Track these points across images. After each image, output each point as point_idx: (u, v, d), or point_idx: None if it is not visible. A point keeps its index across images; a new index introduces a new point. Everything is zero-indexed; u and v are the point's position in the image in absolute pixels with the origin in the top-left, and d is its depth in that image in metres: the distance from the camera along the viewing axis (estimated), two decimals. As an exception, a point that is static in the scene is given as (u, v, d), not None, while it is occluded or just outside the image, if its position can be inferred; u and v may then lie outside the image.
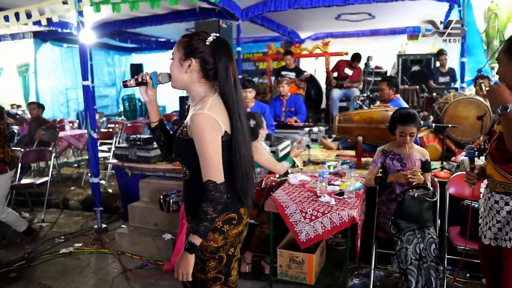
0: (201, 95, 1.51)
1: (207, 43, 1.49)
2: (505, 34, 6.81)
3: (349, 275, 2.93)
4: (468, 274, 3.02)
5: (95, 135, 4.02)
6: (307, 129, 3.76)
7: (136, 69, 10.41)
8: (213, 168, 1.41)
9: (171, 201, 3.41)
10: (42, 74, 8.98)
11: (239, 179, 1.52)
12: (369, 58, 5.75)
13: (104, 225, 4.14)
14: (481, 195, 2.18)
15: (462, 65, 6.18)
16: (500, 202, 1.83)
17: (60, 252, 3.59)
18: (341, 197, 2.65)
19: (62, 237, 3.96)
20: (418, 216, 2.59)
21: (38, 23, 4.43)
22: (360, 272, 3.08)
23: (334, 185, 2.89)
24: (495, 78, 6.63)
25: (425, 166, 2.82)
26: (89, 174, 5.85)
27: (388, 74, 7.23)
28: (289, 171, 3.26)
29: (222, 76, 1.48)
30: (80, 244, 3.76)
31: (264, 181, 2.99)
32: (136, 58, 11.16)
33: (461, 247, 2.57)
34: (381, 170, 3.00)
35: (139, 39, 9.18)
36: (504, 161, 1.76)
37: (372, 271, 2.87)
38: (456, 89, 5.20)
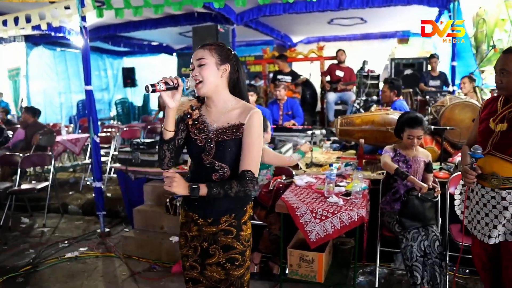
0: (231, 100, 1.62)
1: (232, 53, 1.62)
2: (493, 38, 7.06)
3: (352, 272, 3.02)
4: (467, 270, 3.14)
5: (97, 140, 4.04)
6: (309, 132, 3.84)
7: (128, 73, 10.42)
8: (256, 162, 1.56)
9: (177, 204, 3.46)
10: (33, 78, 8.88)
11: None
12: (364, 62, 5.89)
13: (107, 229, 4.15)
14: (458, 195, 2.29)
15: (453, 68, 6.37)
16: (508, 198, 1.94)
17: (65, 256, 3.60)
18: (348, 198, 2.74)
19: (66, 242, 3.96)
20: (422, 215, 2.70)
21: (37, 27, 4.43)
22: (365, 270, 3.18)
23: (339, 186, 2.98)
24: (484, 81, 6.85)
25: (428, 167, 2.93)
26: (86, 179, 5.91)
27: (381, 77, 7.38)
28: (294, 173, 3.34)
29: (243, 84, 1.66)
30: (85, 248, 3.76)
31: (271, 183, 3.06)
32: (127, 61, 11.14)
33: (461, 243, 2.68)
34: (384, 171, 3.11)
35: (131, 43, 9.17)
36: None
37: (378, 268, 2.98)
38: (449, 92, 5.36)
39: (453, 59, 6.39)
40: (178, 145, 1.64)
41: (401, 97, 4.45)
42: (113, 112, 10.47)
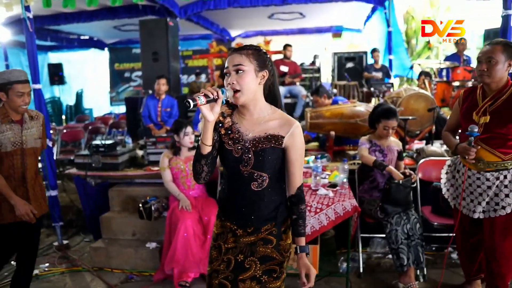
0: (267, 108, 1.54)
1: (269, 56, 1.53)
2: (420, 34, 7.75)
3: (337, 260, 3.13)
4: (434, 248, 3.42)
5: (50, 144, 3.66)
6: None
7: (55, 69, 9.53)
8: (302, 174, 1.57)
9: (152, 208, 3.28)
10: None
11: None
12: (315, 57, 6.06)
13: (65, 241, 3.80)
14: (444, 175, 2.54)
15: (390, 62, 6.87)
16: (492, 178, 2.21)
17: (24, 276, 3.21)
18: (335, 189, 2.82)
19: (19, 260, 3.53)
20: (403, 200, 2.88)
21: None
22: (346, 257, 3.30)
23: (322, 178, 3.05)
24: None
25: (400, 155, 3.13)
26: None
27: (322, 70, 7.66)
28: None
29: (277, 89, 1.58)
30: (46, 265, 3.40)
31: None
32: (53, 57, 10.18)
33: (437, 224, 2.95)
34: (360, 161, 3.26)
35: (59, 37, 8.41)
36: (502, 145, 2.14)
37: (361, 254, 3.12)
38: (392, 84, 5.76)
39: (389, 53, 6.89)
40: (214, 157, 1.53)
41: (333, 97, 4.62)
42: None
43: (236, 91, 1.44)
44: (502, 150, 2.17)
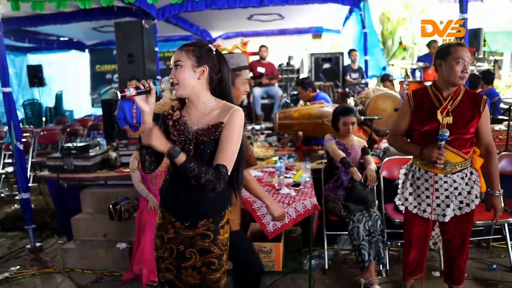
0: (212, 101, 1.61)
1: (213, 52, 1.60)
2: (396, 35, 7.90)
3: (303, 257, 3.22)
4: (399, 243, 3.53)
5: (21, 147, 3.67)
6: (250, 127, 3.95)
7: (34, 71, 9.47)
8: (231, 159, 1.54)
9: (122, 209, 3.32)
10: None
11: (240, 174, 1.68)
12: (290, 58, 6.14)
13: (38, 244, 3.81)
14: (402, 181, 2.50)
15: (366, 62, 7.00)
16: (458, 180, 2.25)
17: (-7, 279, 3.23)
18: (298, 188, 2.91)
19: (-10, 263, 3.55)
20: (364, 198, 2.97)
21: None
22: (313, 254, 3.39)
23: (287, 177, 3.13)
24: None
25: (365, 151, 3.22)
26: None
27: (301, 72, 7.77)
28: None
29: (226, 84, 1.64)
30: (16, 268, 3.42)
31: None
32: (32, 58, 10.08)
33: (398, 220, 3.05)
34: (326, 161, 3.36)
35: (38, 38, 8.35)
36: (464, 145, 2.20)
37: (326, 251, 3.21)
38: (366, 84, 5.88)
39: (365, 54, 7.03)
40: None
41: (317, 91, 4.73)
42: (20, 115, 9.43)
43: (174, 85, 1.54)
44: (464, 150, 2.21)
